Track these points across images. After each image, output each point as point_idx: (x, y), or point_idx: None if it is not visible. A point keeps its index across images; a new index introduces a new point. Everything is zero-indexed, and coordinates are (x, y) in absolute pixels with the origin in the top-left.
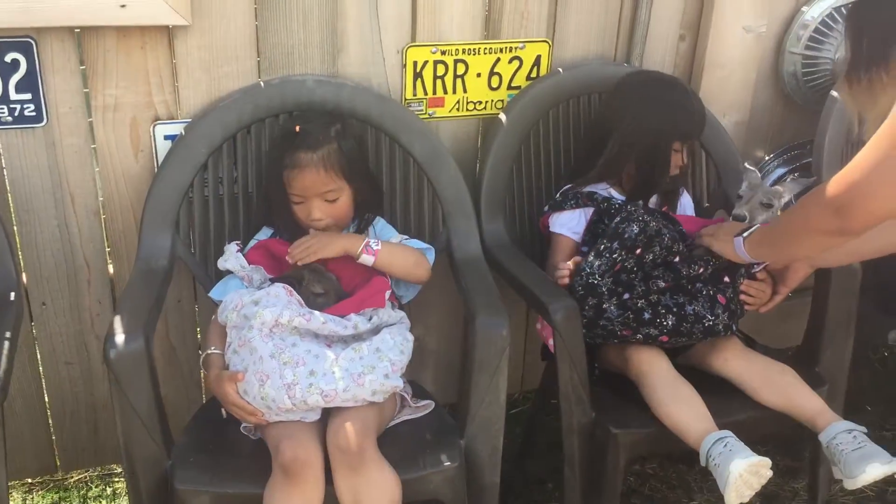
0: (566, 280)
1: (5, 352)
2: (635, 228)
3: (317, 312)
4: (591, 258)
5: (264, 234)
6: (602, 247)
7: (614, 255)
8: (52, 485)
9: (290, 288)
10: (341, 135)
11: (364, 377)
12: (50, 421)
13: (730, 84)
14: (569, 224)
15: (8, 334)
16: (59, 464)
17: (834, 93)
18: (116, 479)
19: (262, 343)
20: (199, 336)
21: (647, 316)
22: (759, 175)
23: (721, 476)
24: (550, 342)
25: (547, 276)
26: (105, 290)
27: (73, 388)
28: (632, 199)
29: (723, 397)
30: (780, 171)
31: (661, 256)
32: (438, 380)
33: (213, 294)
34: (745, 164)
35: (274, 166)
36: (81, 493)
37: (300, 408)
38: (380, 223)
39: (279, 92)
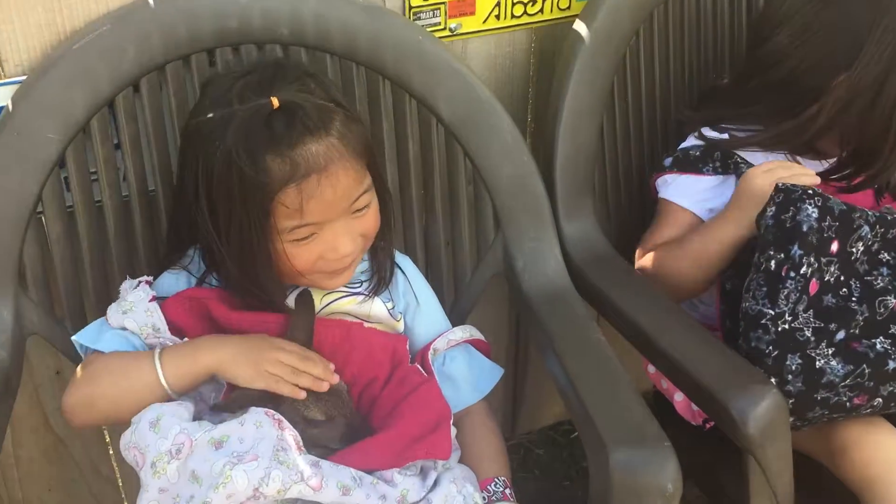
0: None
1: None
2: (812, 211)
3: (326, 466)
4: (762, 288)
5: (175, 279)
6: (772, 264)
7: (802, 270)
8: None
9: (279, 416)
10: (336, 93)
11: None
12: None
13: None
14: (698, 193)
15: None
16: None
17: None
18: None
19: None
20: None
21: (892, 364)
22: None
23: None
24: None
25: (711, 337)
26: None
27: None
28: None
29: None
30: None
31: (874, 240)
32: None
33: (82, 338)
34: None
35: (248, 191)
36: None
37: None
38: (408, 266)
39: (185, 14)
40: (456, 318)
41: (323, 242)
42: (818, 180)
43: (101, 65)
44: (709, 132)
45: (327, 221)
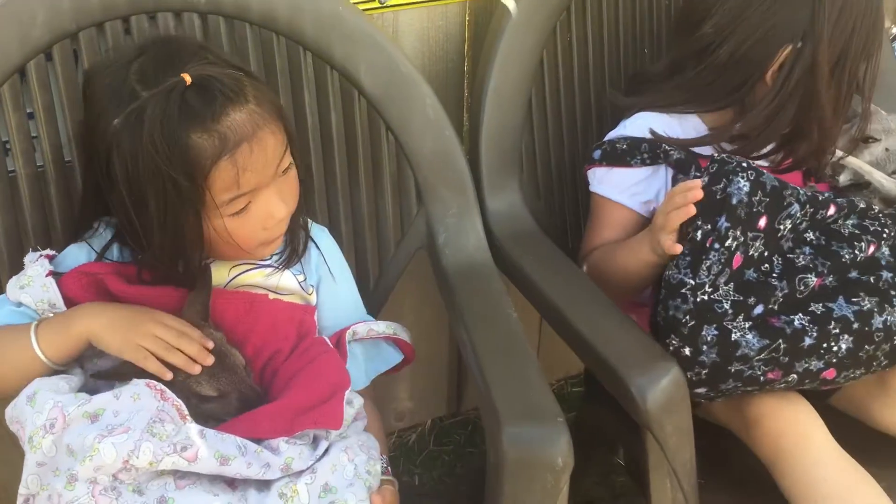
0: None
1: None
2: (743, 185)
3: (210, 435)
4: (686, 258)
5: (79, 252)
6: (698, 234)
7: (727, 243)
8: None
9: (162, 386)
10: (235, 60)
11: None
12: None
13: None
14: (630, 188)
15: None
16: None
17: None
18: None
19: None
20: None
21: (809, 340)
22: None
23: None
24: None
25: (621, 315)
26: None
27: None
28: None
29: None
30: None
31: (803, 219)
32: (416, 393)
33: None
34: None
35: (180, 176)
36: None
37: None
38: (322, 239)
39: None
40: (381, 293)
41: (258, 210)
42: (692, 210)
43: (9, 30)
44: (645, 119)
45: (260, 188)
